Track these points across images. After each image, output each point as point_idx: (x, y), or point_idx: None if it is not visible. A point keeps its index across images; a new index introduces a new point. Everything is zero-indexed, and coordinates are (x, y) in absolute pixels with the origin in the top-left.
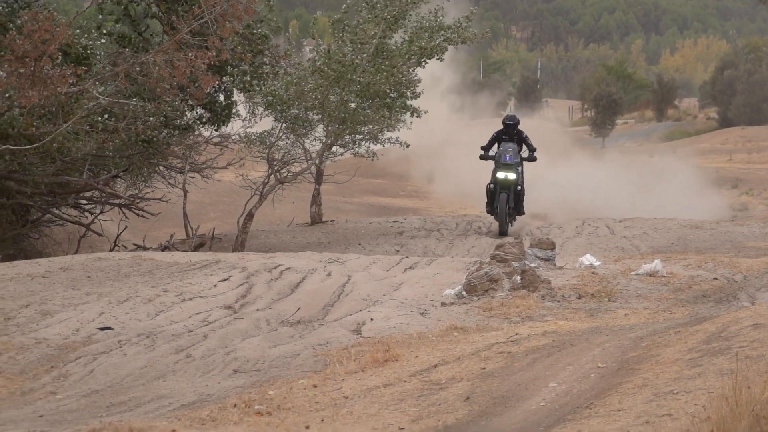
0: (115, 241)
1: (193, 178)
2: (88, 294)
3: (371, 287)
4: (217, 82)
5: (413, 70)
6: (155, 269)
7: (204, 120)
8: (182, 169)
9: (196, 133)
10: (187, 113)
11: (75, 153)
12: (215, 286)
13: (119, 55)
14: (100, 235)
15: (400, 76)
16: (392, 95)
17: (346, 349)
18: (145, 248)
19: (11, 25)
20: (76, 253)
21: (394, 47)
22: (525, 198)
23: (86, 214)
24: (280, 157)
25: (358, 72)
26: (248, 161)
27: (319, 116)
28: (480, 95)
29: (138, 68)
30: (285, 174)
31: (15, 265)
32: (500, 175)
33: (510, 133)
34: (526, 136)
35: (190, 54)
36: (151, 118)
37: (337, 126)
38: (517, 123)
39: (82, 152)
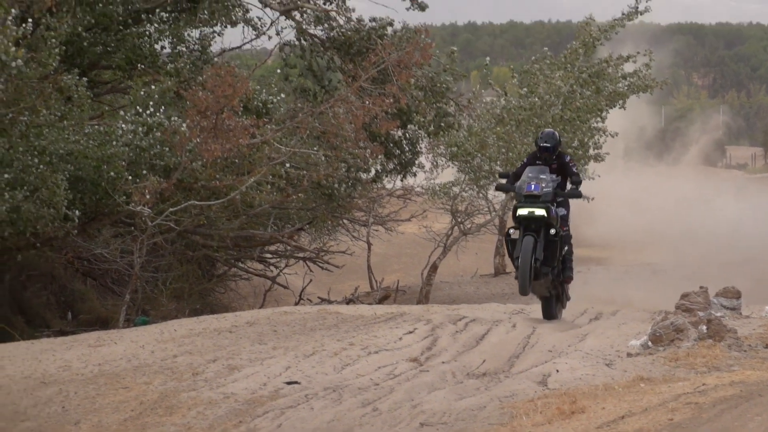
0: (300, 295)
1: (376, 230)
2: (275, 348)
3: (556, 338)
4: (398, 128)
5: (597, 121)
6: (341, 323)
7: (389, 170)
8: (366, 222)
9: (379, 185)
10: (370, 163)
11: (259, 205)
12: (401, 338)
13: (299, 107)
14: (285, 288)
15: (585, 128)
16: (574, 145)
17: (532, 401)
18: (330, 301)
19: (194, 80)
20: (261, 307)
21: (580, 100)
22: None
23: (271, 267)
24: (463, 209)
25: (542, 122)
26: (431, 213)
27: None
28: (665, 143)
29: (317, 120)
30: (468, 225)
31: (202, 320)
32: (522, 211)
33: (546, 159)
34: (570, 161)
35: (367, 101)
36: (331, 169)
37: None
38: (557, 145)
39: (266, 204)
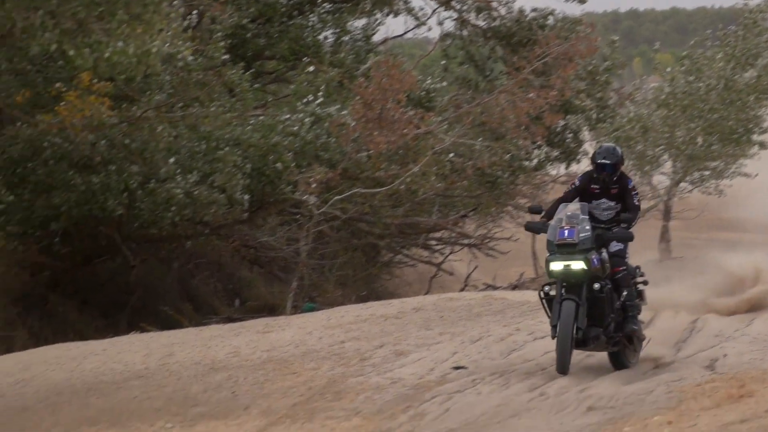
0: (465, 281)
1: (533, 217)
2: (441, 334)
3: (723, 323)
4: (562, 120)
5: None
6: (506, 308)
7: (552, 158)
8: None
9: (543, 172)
10: (534, 152)
11: (423, 194)
12: None
13: (462, 97)
14: (450, 274)
15: (750, 112)
16: (739, 131)
17: (699, 386)
18: (495, 287)
19: (357, 71)
20: (427, 293)
21: (742, 84)
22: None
23: (436, 254)
24: None
25: (706, 107)
26: None
27: (666, 153)
28: None
29: (480, 110)
30: None
31: (369, 306)
32: (556, 266)
33: (605, 180)
34: (633, 188)
35: (531, 94)
36: (495, 157)
37: (684, 162)
38: (618, 163)
39: (430, 192)
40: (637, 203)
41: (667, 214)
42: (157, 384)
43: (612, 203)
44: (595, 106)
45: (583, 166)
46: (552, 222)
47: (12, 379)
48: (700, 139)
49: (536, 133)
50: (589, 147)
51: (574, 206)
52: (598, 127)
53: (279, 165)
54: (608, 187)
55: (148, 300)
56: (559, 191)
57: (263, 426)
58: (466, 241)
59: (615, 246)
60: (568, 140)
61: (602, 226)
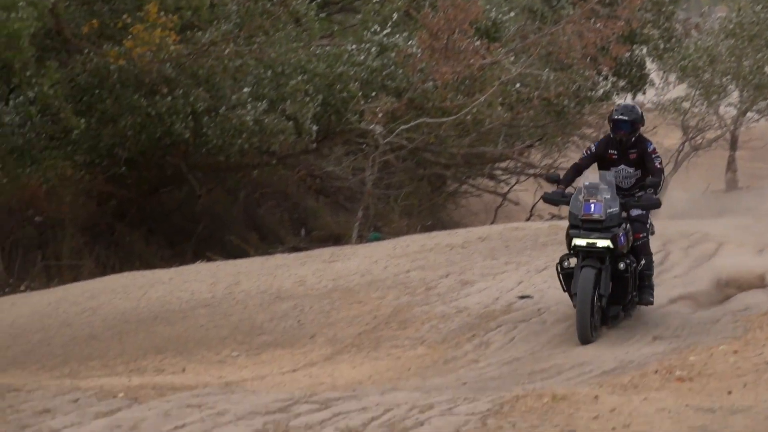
0: (531, 211)
1: None
2: (507, 263)
3: None
4: (628, 51)
5: None
6: None
7: (618, 88)
8: (596, 139)
9: (609, 102)
10: (600, 82)
11: (489, 124)
12: None
13: (528, 27)
14: (516, 204)
15: None
16: None
17: (766, 315)
18: (560, 218)
19: (424, 1)
20: (492, 223)
21: None
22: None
23: (502, 184)
24: (694, 124)
25: None
26: (661, 129)
27: (733, 82)
28: None
29: (547, 40)
30: (699, 141)
31: (434, 236)
32: (579, 241)
33: (622, 141)
34: (654, 150)
35: (598, 24)
36: (561, 87)
37: (752, 92)
38: (637, 122)
39: (496, 122)
40: (659, 166)
41: (733, 144)
42: (223, 313)
43: (631, 170)
44: (661, 36)
45: (650, 96)
46: (575, 193)
47: (79, 307)
48: (767, 69)
49: (603, 63)
50: (656, 77)
51: (603, 177)
52: (665, 57)
53: (345, 94)
54: (626, 152)
55: (214, 229)
56: None
57: (329, 355)
58: (531, 171)
59: (635, 210)
60: (634, 70)
61: (622, 194)
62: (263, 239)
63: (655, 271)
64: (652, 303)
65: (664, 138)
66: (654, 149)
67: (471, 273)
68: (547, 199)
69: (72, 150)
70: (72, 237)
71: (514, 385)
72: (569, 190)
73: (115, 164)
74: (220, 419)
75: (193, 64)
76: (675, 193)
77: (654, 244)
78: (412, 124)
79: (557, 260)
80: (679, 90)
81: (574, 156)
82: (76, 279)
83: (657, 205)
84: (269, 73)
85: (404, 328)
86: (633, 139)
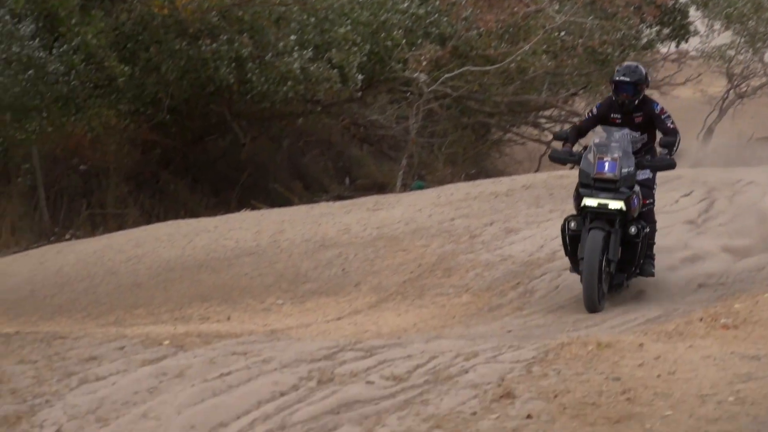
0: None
1: (651, 95)
2: (551, 211)
3: None
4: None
5: None
6: None
7: (662, 37)
8: None
9: (654, 50)
10: (645, 30)
11: (533, 72)
12: (677, 201)
13: None
14: None
15: None
16: None
17: None
18: None
19: None
20: (537, 171)
21: None
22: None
23: (546, 132)
24: (739, 72)
25: None
26: (706, 77)
27: None
28: None
29: None
30: (744, 88)
31: (478, 184)
32: (590, 201)
33: (625, 104)
34: (662, 111)
35: None
36: (606, 36)
37: None
38: (640, 82)
39: (540, 70)
40: (672, 126)
41: None
42: (268, 261)
43: (636, 134)
44: None
45: (694, 43)
46: (586, 151)
47: (124, 255)
48: None
49: (647, 12)
50: (700, 24)
51: (616, 133)
52: (710, 5)
53: (389, 43)
54: (630, 115)
55: (258, 178)
56: (670, 69)
57: (374, 302)
58: (576, 119)
59: (642, 174)
60: (678, 18)
61: None
62: (307, 188)
63: (701, 218)
64: (653, 275)
65: (708, 86)
66: (662, 109)
67: (515, 221)
68: (554, 157)
69: (116, 98)
70: (116, 186)
71: (559, 332)
72: (576, 148)
73: (159, 113)
74: (265, 367)
75: (237, 12)
76: (720, 141)
77: (699, 192)
78: (456, 72)
79: (563, 221)
80: (723, 37)
81: None
82: (120, 227)
83: (672, 165)
84: (312, 20)
85: (449, 276)
86: (636, 101)
